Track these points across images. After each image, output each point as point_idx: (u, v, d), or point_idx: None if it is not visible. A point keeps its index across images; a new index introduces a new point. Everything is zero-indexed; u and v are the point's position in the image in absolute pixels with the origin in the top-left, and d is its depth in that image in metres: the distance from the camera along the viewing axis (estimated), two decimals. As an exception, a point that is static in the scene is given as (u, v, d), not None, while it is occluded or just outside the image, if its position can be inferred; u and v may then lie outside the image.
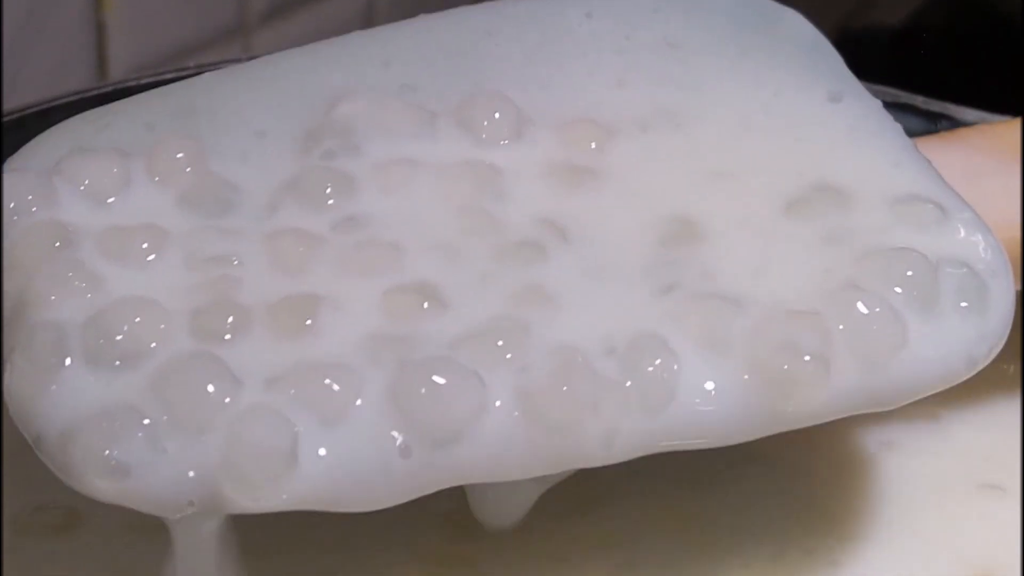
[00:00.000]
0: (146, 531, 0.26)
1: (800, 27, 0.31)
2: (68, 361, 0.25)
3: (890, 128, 0.30)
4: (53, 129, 0.29)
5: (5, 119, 0.34)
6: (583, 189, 0.28)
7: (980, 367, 0.27)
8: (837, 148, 0.29)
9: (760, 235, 0.27)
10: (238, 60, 0.34)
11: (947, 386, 0.27)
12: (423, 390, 0.25)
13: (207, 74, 0.30)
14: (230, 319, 0.26)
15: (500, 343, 0.25)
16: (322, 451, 0.24)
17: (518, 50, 0.30)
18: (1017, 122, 0.33)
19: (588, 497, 0.29)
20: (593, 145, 0.29)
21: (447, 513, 0.29)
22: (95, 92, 0.34)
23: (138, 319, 0.25)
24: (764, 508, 0.30)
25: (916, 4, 0.60)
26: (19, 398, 0.25)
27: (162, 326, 0.25)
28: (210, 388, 0.25)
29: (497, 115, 0.29)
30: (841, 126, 0.29)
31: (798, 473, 0.31)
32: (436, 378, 0.25)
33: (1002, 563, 0.29)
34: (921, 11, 0.60)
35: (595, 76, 0.30)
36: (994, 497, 0.31)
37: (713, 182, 0.28)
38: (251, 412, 0.25)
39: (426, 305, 0.26)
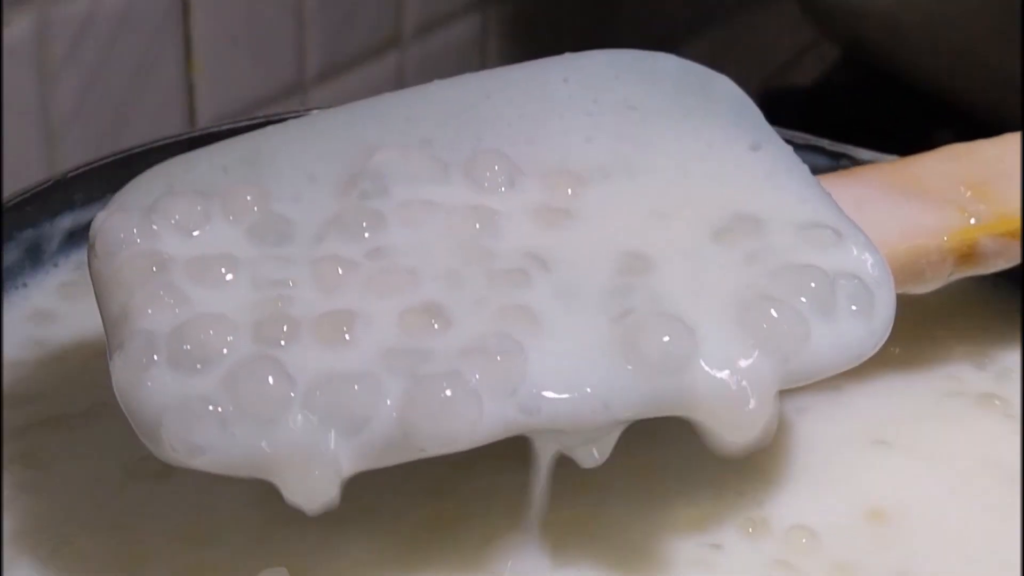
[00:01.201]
0: (227, 478, 0.25)
1: (729, 89, 0.31)
2: (157, 361, 0.25)
3: (798, 169, 0.30)
4: (152, 170, 0.29)
5: (114, 159, 0.34)
6: (560, 228, 0.28)
7: (868, 356, 0.27)
8: (756, 187, 0.29)
9: (693, 260, 0.27)
10: (297, 112, 0.34)
11: (843, 370, 0.27)
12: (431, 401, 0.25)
13: (270, 127, 0.30)
14: (284, 328, 0.26)
15: (499, 359, 0.25)
16: (349, 441, 0.25)
17: (511, 109, 0.30)
18: (900, 160, 0.33)
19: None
20: (569, 191, 0.29)
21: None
22: (185, 137, 0.34)
23: (211, 331, 0.25)
24: (706, 460, 0.29)
25: (823, 68, 0.60)
26: (121, 388, 0.25)
27: (230, 337, 0.25)
28: (270, 381, 0.25)
29: (496, 167, 0.29)
30: (760, 169, 0.29)
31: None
32: (445, 392, 0.25)
33: (889, 502, 0.29)
34: (827, 74, 0.60)
35: (569, 135, 0.30)
36: (883, 450, 0.31)
37: (658, 220, 0.28)
38: (300, 404, 0.25)
39: (435, 324, 0.26)
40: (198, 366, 0.25)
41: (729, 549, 0.28)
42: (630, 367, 0.26)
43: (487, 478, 0.29)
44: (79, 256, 0.34)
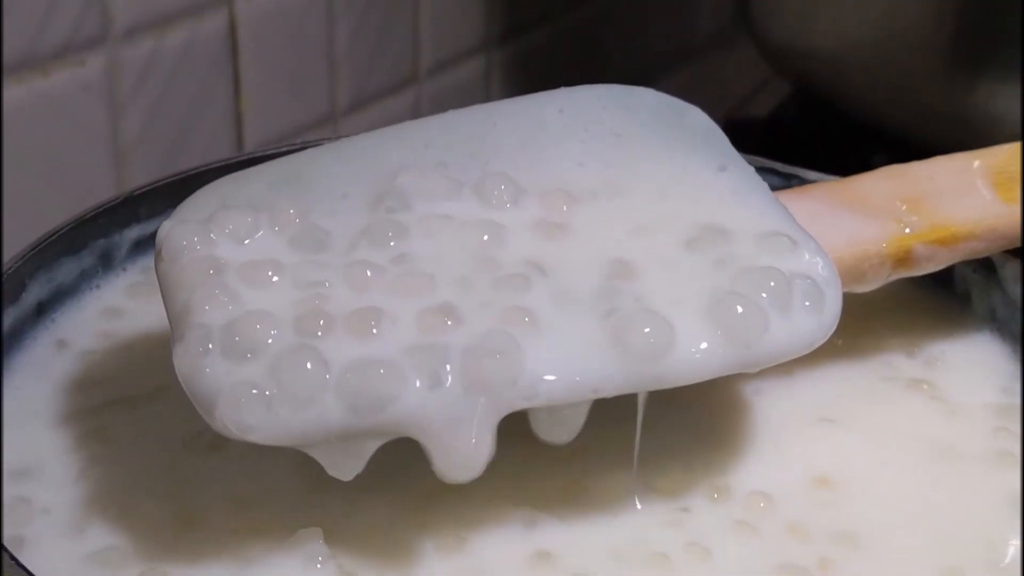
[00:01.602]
0: (274, 450, 0.25)
1: (700, 118, 0.31)
2: (212, 351, 0.25)
3: (759, 187, 0.30)
4: (207, 187, 0.29)
5: (173, 179, 0.34)
6: (555, 239, 0.28)
7: (819, 345, 0.27)
8: (723, 203, 0.29)
9: (670, 266, 0.27)
10: (329, 138, 0.34)
11: (796, 357, 0.27)
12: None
13: (307, 150, 0.30)
14: (321, 322, 0.26)
15: (498, 357, 0.25)
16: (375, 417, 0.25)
17: (514, 135, 0.30)
18: (845, 179, 0.33)
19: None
20: (564, 208, 0.29)
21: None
22: (235, 160, 0.34)
23: (258, 325, 0.25)
24: (679, 436, 0.30)
25: (777, 101, 0.60)
26: (182, 374, 0.25)
27: (273, 331, 0.25)
28: (308, 366, 0.25)
29: (503, 186, 0.29)
30: (726, 188, 0.29)
31: (701, 412, 0.31)
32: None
33: (834, 470, 0.29)
34: (780, 106, 0.60)
35: (564, 160, 0.30)
36: (828, 426, 0.31)
37: (640, 233, 0.28)
38: (335, 386, 0.25)
39: (449, 322, 0.26)
40: (248, 355, 0.25)
41: (697, 512, 0.28)
42: (615, 355, 0.26)
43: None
44: (145, 261, 0.34)
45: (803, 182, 0.35)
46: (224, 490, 0.28)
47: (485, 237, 0.28)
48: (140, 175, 0.45)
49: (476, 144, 0.30)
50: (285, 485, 0.28)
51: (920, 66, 0.48)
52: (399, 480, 0.28)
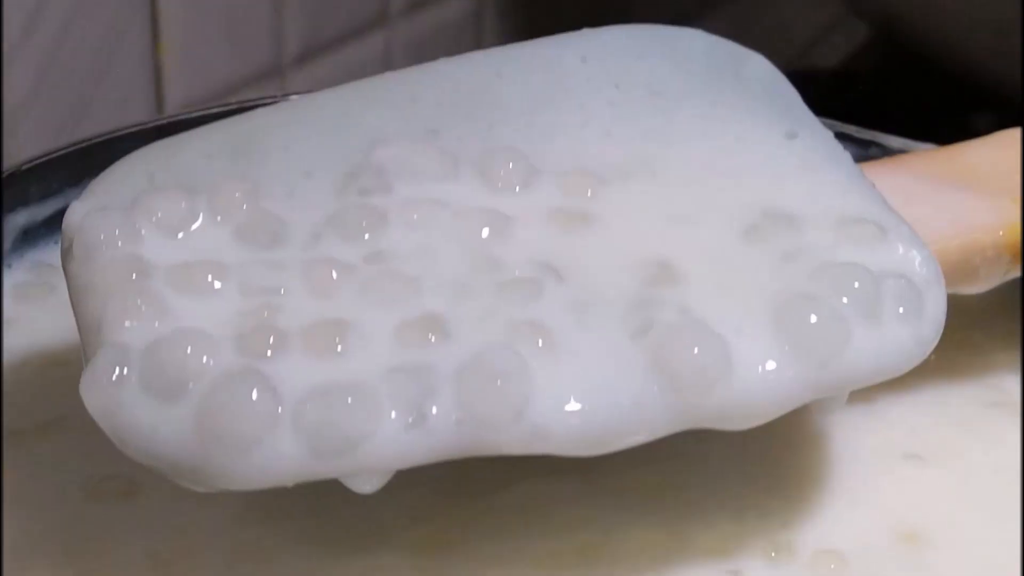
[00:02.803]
0: (195, 497, 0.25)
1: (763, 69, 0.31)
2: (128, 378, 0.25)
3: (839, 158, 0.30)
4: (130, 157, 0.29)
5: (72, 149, 0.34)
6: (576, 234, 0.28)
7: (916, 364, 0.27)
8: (791, 180, 0.29)
9: (722, 264, 0.27)
10: (274, 97, 0.34)
11: (887, 379, 0.27)
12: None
13: (259, 109, 0.30)
14: (271, 339, 0.25)
15: (499, 383, 0.25)
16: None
17: (524, 92, 0.30)
18: (948, 148, 0.33)
19: (574, 467, 0.29)
20: (588, 193, 0.28)
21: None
22: (152, 124, 0.34)
23: (190, 348, 0.25)
24: (727, 476, 0.30)
25: (849, 50, 0.60)
26: (91, 406, 0.25)
27: (206, 358, 0.25)
28: (253, 397, 0.25)
29: (511, 164, 0.28)
30: (795, 160, 0.29)
31: (755, 447, 0.31)
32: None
33: (924, 522, 0.29)
34: (855, 55, 0.60)
35: (588, 127, 0.29)
36: (917, 465, 0.31)
37: (683, 224, 0.28)
38: (289, 421, 0.25)
39: (433, 338, 0.26)
40: (175, 389, 0.25)
41: (750, 575, 0.28)
42: (655, 385, 0.26)
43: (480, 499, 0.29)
44: (35, 256, 0.34)
45: (884, 151, 0.35)
46: (139, 549, 0.28)
47: (486, 231, 0.27)
48: (29, 146, 0.45)
49: (477, 103, 0.29)
50: (217, 541, 0.28)
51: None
52: (366, 537, 0.28)
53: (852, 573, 0.28)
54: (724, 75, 0.30)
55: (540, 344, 0.26)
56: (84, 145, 0.34)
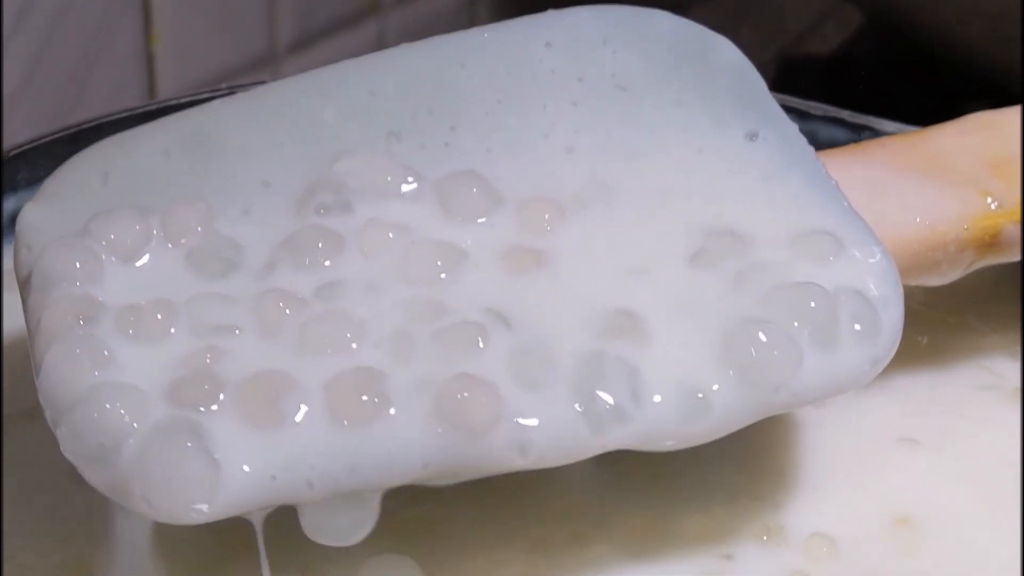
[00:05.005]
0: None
1: (730, 56, 0.30)
2: (60, 432, 0.25)
3: (800, 159, 0.29)
4: (85, 152, 0.29)
5: (62, 134, 0.34)
6: (529, 274, 0.27)
7: (867, 382, 0.27)
8: (747, 195, 0.28)
9: (675, 296, 0.27)
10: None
11: (840, 395, 0.27)
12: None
13: (216, 100, 0.29)
14: (206, 387, 0.25)
15: None
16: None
17: (487, 86, 0.29)
18: (916, 133, 0.32)
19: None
20: (547, 227, 0.28)
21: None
22: (141, 110, 0.34)
23: (122, 410, 0.25)
24: (720, 461, 0.30)
25: (843, 36, 0.60)
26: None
27: (134, 423, 0.25)
28: (188, 445, 0.24)
29: (474, 189, 0.28)
30: (755, 167, 0.29)
31: (747, 433, 0.30)
32: None
33: (917, 507, 0.29)
34: (850, 41, 0.60)
35: (550, 138, 0.29)
36: (910, 449, 0.31)
37: (636, 260, 0.28)
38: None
39: (365, 398, 0.25)
40: (102, 447, 0.24)
41: (743, 559, 0.28)
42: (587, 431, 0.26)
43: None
44: (24, 241, 0.34)
45: (876, 135, 0.35)
46: (128, 534, 0.28)
47: (439, 263, 0.27)
48: (24, 132, 0.45)
49: (437, 97, 0.29)
50: (196, 535, 0.27)
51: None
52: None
53: (844, 557, 0.28)
54: (690, 63, 0.30)
55: (479, 402, 0.25)
56: (73, 131, 0.34)
